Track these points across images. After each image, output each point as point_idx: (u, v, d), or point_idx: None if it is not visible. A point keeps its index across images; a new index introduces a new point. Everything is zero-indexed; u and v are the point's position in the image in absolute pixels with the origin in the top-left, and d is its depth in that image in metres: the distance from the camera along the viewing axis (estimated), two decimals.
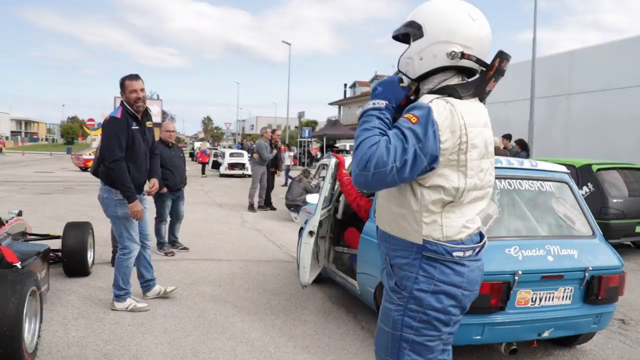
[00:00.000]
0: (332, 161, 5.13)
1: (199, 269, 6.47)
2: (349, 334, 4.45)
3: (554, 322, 3.67)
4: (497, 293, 3.42)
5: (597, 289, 3.73)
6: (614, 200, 7.96)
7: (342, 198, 5.59)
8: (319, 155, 40.35)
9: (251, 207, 12.48)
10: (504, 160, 4.18)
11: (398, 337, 2.03)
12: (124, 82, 4.68)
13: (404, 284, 2.01)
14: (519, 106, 16.42)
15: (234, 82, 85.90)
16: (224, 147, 42.10)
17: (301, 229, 6.29)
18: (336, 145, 41.45)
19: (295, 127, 60.07)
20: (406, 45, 2.10)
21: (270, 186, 13.16)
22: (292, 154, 21.89)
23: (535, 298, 3.59)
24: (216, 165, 25.51)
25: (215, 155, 26.97)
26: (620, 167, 8.73)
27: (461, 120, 1.91)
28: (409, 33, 2.07)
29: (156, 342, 4.06)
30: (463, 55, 1.97)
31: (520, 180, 4.05)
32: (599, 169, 8.26)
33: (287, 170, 21.25)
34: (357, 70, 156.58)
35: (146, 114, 4.86)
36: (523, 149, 12.51)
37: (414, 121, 1.86)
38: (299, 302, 5.29)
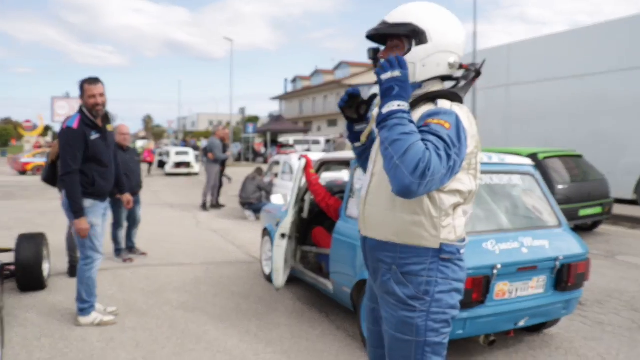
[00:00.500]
0: (301, 161, 5.07)
1: (161, 275, 6.28)
2: (325, 335, 4.43)
3: (529, 311, 3.77)
4: (478, 287, 3.48)
5: (566, 277, 3.86)
6: (560, 187, 8.30)
7: (307, 197, 5.56)
8: (263, 151, 40.11)
9: (204, 207, 12.27)
10: None
11: (422, 343, 2.01)
12: (83, 86, 4.46)
13: (424, 290, 2.00)
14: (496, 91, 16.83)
15: (175, 79, 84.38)
16: (166, 145, 41.22)
17: (265, 229, 6.22)
18: (279, 140, 41.32)
19: (237, 123, 59.49)
20: (371, 44, 2.17)
21: (220, 185, 12.98)
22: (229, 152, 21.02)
23: (512, 290, 3.68)
24: (161, 164, 24.87)
25: (160, 154, 26.29)
26: (562, 155, 9.09)
27: (475, 126, 1.96)
28: (408, 35, 2.02)
29: (130, 358, 3.91)
30: (461, 66, 2.05)
31: (491, 175, 4.13)
32: (544, 157, 8.58)
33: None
34: (297, 65, 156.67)
35: (106, 118, 4.66)
36: None
37: (447, 127, 1.83)
38: (270, 304, 5.22)
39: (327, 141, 39.47)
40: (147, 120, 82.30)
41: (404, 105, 1.86)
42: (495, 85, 15.89)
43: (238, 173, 20.67)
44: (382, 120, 1.85)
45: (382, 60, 1.93)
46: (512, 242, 3.74)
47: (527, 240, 3.81)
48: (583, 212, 8.33)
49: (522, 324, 3.83)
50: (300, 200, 5.46)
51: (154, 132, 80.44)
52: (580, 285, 4.01)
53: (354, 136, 2.39)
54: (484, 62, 2.12)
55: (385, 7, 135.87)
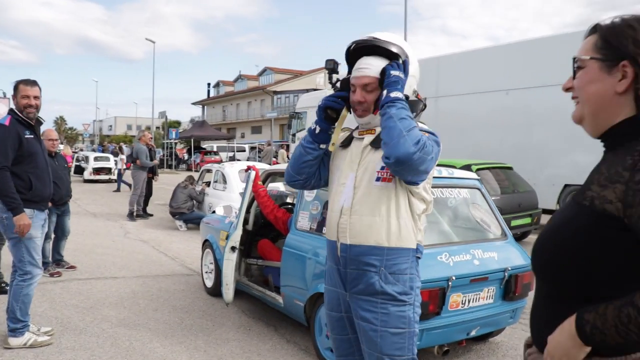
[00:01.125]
0: (251, 173, 4.97)
1: (94, 290, 5.96)
2: (276, 349, 4.36)
3: (480, 320, 3.89)
4: (435, 299, 3.54)
5: (514, 287, 4.01)
6: (492, 198, 8.63)
7: (252, 209, 5.46)
8: (185, 157, 39.23)
9: (131, 216, 11.81)
10: None
11: (412, 333, 2.30)
12: (18, 86, 4.18)
13: (410, 285, 2.29)
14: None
15: (90, 79, 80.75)
16: (82, 150, 39.39)
17: (206, 241, 6.06)
18: (203, 146, 40.59)
19: (157, 127, 57.86)
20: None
21: (148, 193, 12.54)
22: (123, 156, 19.70)
23: (465, 300, 3.78)
24: (79, 170, 23.71)
25: (78, 159, 25.06)
26: (493, 167, 9.48)
27: None
28: (397, 54, 2.28)
29: None
30: (417, 95, 2.42)
31: (441, 189, 4.23)
32: (477, 169, 8.91)
33: (120, 175, 19.37)
34: (220, 69, 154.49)
35: (38, 123, 4.37)
36: None
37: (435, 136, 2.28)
38: (215, 318, 5.08)
39: (252, 148, 39.26)
40: (60, 123, 78.30)
41: (404, 97, 2.19)
42: (425, 96, 16.33)
43: (161, 180, 20.00)
44: (391, 101, 2.15)
45: (394, 62, 2.25)
46: (464, 255, 3.85)
47: (477, 252, 3.93)
48: (514, 223, 8.71)
49: (473, 333, 3.95)
50: (245, 212, 5.36)
51: (68, 135, 76.61)
52: (525, 294, 4.18)
53: (324, 137, 2.45)
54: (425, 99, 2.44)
55: (308, 15, 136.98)
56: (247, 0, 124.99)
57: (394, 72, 2.21)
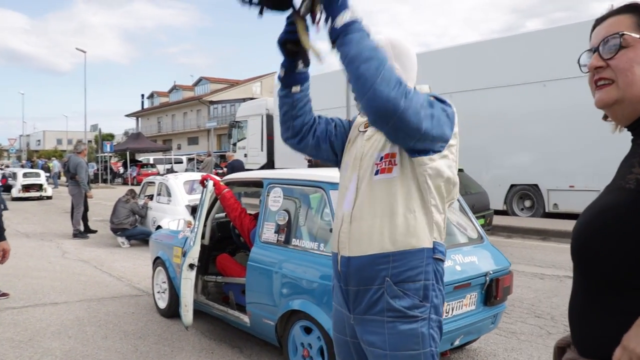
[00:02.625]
0: (209, 183, 4.60)
1: (32, 319, 5.38)
2: None
3: (464, 329, 3.69)
4: None
5: (495, 291, 3.84)
6: None
7: (208, 222, 5.09)
8: (121, 171, 37.81)
9: (80, 234, 11.11)
10: None
11: (429, 354, 1.86)
12: None
13: (424, 294, 1.86)
14: (335, 113, 17.08)
15: (16, 92, 76.81)
16: (7, 166, 37.22)
17: (158, 258, 5.61)
18: (139, 159, 39.28)
19: (89, 141, 55.68)
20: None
21: (85, 209, 11.80)
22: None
23: (449, 309, 3.57)
24: (6, 187, 22.25)
25: (4, 176, 23.53)
26: None
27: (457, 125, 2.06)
28: None
29: None
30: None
31: None
32: None
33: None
34: (153, 80, 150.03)
35: None
36: None
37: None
38: (173, 343, 4.66)
39: (190, 160, 38.25)
40: None
41: (355, 14, 1.67)
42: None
43: (97, 196, 18.91)
44: (340, 34, 1.64)
45: None
46: (447, 260, 3.61)
47: (458, 257, 3.74)
48: None
49: (457, 342, 3.75)
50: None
51: None
52: (505, 299, 4.02)
53: (293, 78, 2.00)
54: None
55: (241, 24, 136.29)
56: (178, 11, 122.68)
57: None
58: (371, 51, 1.60)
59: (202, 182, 4.75)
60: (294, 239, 3.96)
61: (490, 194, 9.95)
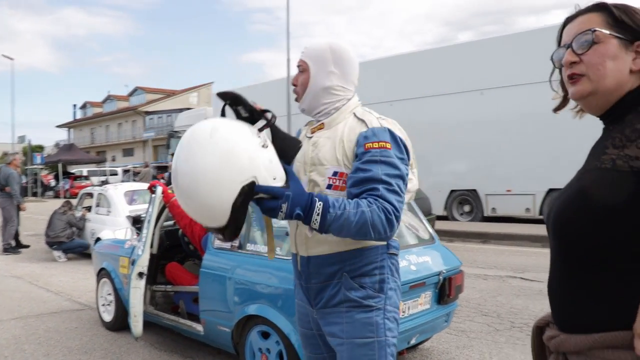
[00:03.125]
0: (158, 189, 4.47)
1: None
2: None
3: (419, 328, 3.74)
4: None
5: (448, 290, 3.93)
6: None
7: (156, 231, 4.95)
8: (52, 184, 36.32)
9: (12, 249, 10.56)
10: None
11: (383, 343, 1.97)
12: None
13: (379, 287, 1.98)
14: (277, 122, 17.10)
15: None
16: None
17: (102, 270, 5.40)
18: (72, 171, 37.87)
19: (16, 153, 53.10)
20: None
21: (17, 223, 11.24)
22: None
23: (405, 308, 3.61)
24: None
25: None
26: None
27: (403, 132, 2.17)
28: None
29: None
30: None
31: None
32: None
33: None
34: (86, 89, 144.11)
35: None
36: None
37: (389, 147, 1.91)
38: (121, 356, 4.48)
39: (126, 171, 37.17)
40: None
41: (318, 204, 1.75)
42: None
43: (27, 209, 17.94)
44: (322, 230, 1.78)
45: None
46: (401, 260, 3.67)
47: (412, 258, 3.80)
48: None
49: (413, 341, 3.80)
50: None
51: None
52: (457, 297, 4.11)
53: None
54: None
55: (176, 34, 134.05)
56: (111, 19, 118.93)
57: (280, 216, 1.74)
58: (352, 225, 1.75)
59: (150, 189, 4.62)
60: (248, 244, 3.91)
61: (431, 200, 10.19)
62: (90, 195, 10.39)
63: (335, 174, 1.95)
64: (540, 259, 8.25)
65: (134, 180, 28.82)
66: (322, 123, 2.06)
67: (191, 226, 4.53)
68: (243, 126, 1.75)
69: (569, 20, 1.37)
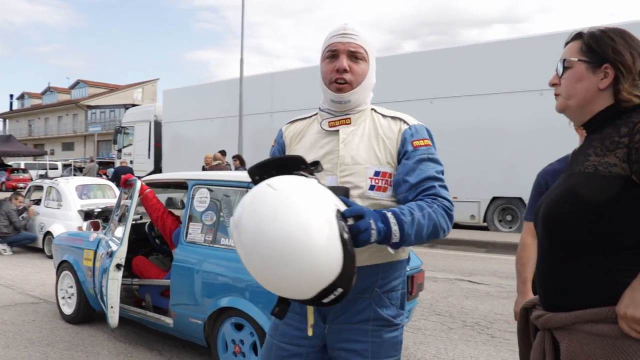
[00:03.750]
0: (137, 183, 4.50)
1: None
2: None
3: None
4: None
5: (410, 287, 4.16)
6: None
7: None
8: None
9: None
10: None
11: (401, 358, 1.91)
12: None
13: (401, 303, 1.90)
14: (228, 122, 17.10)
15: None
16: None
17: (64, 262, 5.36)
18: (9, 164, 36.30)
19: None
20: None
21: None
22: None
23: None
24: None
25: None
26: None
27: None
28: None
29: None
30: None
31: None
32: None
33: None
34: (24, 80, 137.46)
35: None
36: (242, 164, 13.07)
37: (430, 144, 1.87)
38: (86, 348, 4.49)
39: (66, 166, 35.96)
40: None
41: (373, 229, 1.56)
42: (261, 111, 16.50)
43: None
44: (399, 245, 1.65)
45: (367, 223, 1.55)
46: None
47: None
48: None
49: None
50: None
51: None
52: (417, 295, 4.36)
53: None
54: None
55: (120, 27, 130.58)
56: (51, 8, 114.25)
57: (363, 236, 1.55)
58: (424, 228, 1.67)
59: (125, 182, 4.65)
60: (222, 238, 4.02)
61: None
62: (40, 188, 10.13)
63: (377, 173, 1.80)
64: (485, 264, 8.69)
65: (74, 175, 28.02)
66: (349, 118, 1.87)
67: (163, 219, 4.59)
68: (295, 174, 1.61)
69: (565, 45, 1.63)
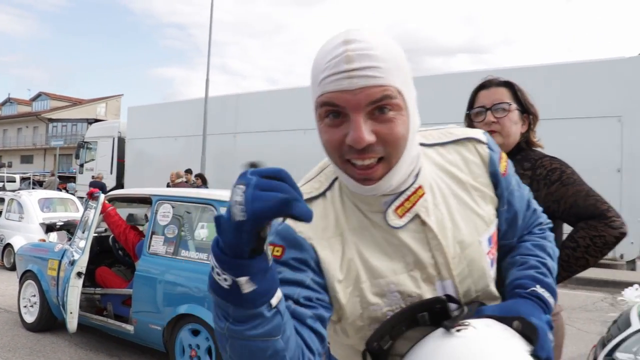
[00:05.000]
0: (101, 196, 4.79)
1: None
2: None
3: None
4: None
5: None
6: None
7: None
8: None
9: None
10: None
11: None
12: None
13: None
14: (191, 141, 17.35)
15: None
16: None
17: (26, 272, 5.57)
18: None
19: None
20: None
21: None
22: None
23: None
24: None
25: None
26: None
27: None
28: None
29: None
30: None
31: None
32: None
33: None
34: None
35: None
36: (203, 182, 13.34)
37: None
38: (47, 354, 4.70)
39: (25, 179, 35.33)
40: None
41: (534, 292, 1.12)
42: (225, 132, 16.81)
43: None
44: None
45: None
46: None
47: None
48: None
49: None
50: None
51: None
52: None
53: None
54: None
55: (84, 41, 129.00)
56: (14, 17, 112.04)
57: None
58: (556, 269, 1.23)
59: (90, 195, 4.92)
60: (183, 251, 4.34)
61: None
62: (2, 200, 10.18)
63: (490, 240, 1.15)
64: None
65: (33, 188, 27.59)
66: (419, 186, 1.08)
67: (125, 234, 4.87)
68: None
69: (483, 87, 1.95)
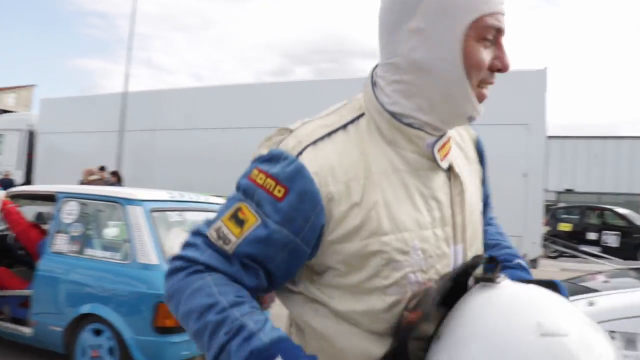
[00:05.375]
0: (0, 193, 4.56)
1: None
2: None
3: None
4: None
5: None
6: None
7: None
8: None
9: None
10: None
11: None
12: None
13: None
14: (108, 136, 16.79)
15: None
16: None
17: None
18: None
19: None
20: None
21: None
22: None
23: None
24: None
25: None
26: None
27: None
28: None
29: None
30: None
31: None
32: None
33: None
34: None
35: None
36: (118, 180, 12.99)
37: None
38: None
39: None
40: None
41: None
42: (143, 128, 16.40)
43: None
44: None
45: None
46: None
47: None
48: None
49: None
50: None
51: None
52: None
53: None
54: None
55: (25, 40, 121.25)
56: None
57: None
58: None
59: None
60: (88, 249, 4.23)
61: None
62: None
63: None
64: None
65: None
66: (450, 137, 1.07)
67: (27, 232, 4.68)
68: None
69: None
